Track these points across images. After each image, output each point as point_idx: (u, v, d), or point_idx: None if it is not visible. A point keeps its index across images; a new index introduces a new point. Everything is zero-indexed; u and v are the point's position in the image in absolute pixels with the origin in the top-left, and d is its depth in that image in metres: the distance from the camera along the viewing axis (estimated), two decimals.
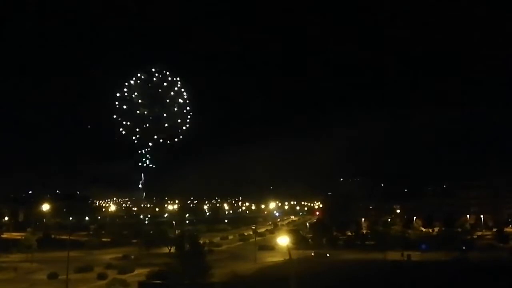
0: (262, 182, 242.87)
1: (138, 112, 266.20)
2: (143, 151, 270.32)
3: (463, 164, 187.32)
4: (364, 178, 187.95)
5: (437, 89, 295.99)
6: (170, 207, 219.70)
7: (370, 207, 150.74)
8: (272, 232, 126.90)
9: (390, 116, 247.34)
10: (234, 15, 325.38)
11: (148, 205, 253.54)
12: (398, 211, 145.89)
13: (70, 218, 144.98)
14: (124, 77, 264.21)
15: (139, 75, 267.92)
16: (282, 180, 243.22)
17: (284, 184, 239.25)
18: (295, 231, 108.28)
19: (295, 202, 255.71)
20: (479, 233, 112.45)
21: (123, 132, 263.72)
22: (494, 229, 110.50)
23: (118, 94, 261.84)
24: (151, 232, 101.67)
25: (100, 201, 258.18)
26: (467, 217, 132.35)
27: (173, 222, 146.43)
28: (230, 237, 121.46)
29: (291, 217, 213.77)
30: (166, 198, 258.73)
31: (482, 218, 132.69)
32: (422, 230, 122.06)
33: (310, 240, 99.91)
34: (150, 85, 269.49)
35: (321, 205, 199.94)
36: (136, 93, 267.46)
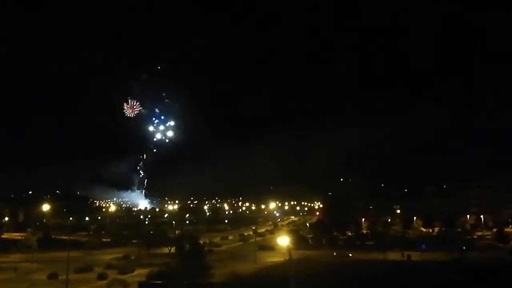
0: (262, 182, 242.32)
1: (138, 112, 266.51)
2: (143, 151, 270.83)
3: (463, 164, 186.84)
4: (364, 178, 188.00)
5: (437, 89, 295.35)
6: (170, 207, 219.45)
7: (370, 207, 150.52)
8: (272, 232, 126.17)
9: (390, 116, 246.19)
10: (234, 15, 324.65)
11: (148, 206, 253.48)
12: (398, 211, 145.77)
13: (70, 218, 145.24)
14: (124, 77, 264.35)
15: (139, 75, 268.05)
16: (282, 180, 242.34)
17: (284, 184, 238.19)
18: (295, 231, 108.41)
19: (295, 202, 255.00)
20: (479, 233, 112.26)
21: (123, 132, 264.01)
22: (494, 229, 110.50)
23: (118, 94, 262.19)
24: (151, 232, 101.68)
25: (100, 201, 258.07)
26: (467, 217, 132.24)
27: (173, 222, 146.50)
28: (230, 237, 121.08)
29: (291, 217, 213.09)
30: (166, 198, 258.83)
31: (482, 218, 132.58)
32: (422, 230, 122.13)
33: (310, 240, 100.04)
34: (150, 85, 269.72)
35: (321, 205, 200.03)
36: (136, 93, 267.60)
